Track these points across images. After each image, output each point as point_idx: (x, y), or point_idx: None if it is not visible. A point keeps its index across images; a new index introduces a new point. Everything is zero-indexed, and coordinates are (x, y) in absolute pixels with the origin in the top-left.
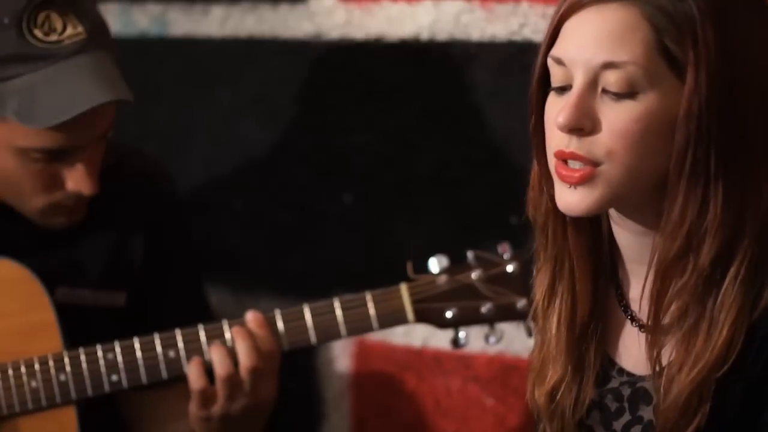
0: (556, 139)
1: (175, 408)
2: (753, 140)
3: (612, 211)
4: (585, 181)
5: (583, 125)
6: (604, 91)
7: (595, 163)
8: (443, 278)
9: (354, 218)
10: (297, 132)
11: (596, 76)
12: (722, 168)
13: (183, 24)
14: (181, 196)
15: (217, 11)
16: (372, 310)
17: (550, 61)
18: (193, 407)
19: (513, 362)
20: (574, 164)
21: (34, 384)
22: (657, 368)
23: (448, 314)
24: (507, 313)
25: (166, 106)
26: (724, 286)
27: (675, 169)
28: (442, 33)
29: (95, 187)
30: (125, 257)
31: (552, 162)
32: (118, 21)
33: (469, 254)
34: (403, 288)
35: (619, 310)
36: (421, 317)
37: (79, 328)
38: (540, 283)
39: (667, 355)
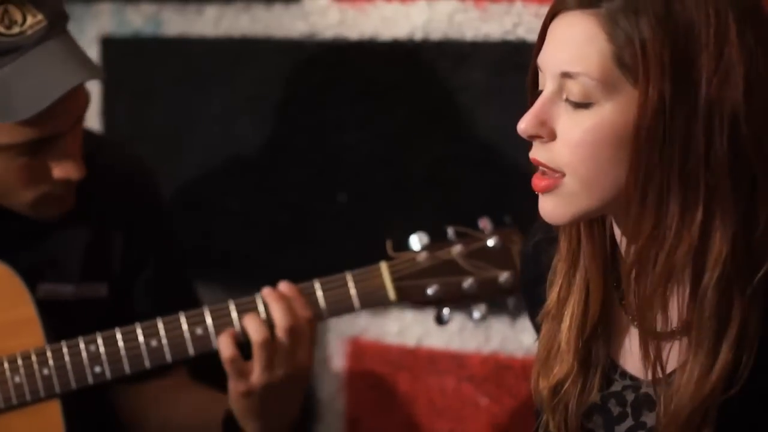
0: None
1: (172, 397)
2: (713, 159)
3: (610, 216)
4: (549, 190)
5: (540, 133)
6: (567, 100)
7: (557, 172)
8: (423, 255)
9: (349, 217)
10: (291, 131)
11: (561, 84)
12: (677, 182)
13: (177, 23)
14: (162, 189)
15: (211, 11)
16: (353, 290)
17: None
18: (231, 383)
19: (507, 362)
20: (546, 173)
21: (17, 379)
22: (653, 375)
23: (430, 291)
24: (489, 288)
25: (160, 106)
26: (697, 304)
27: (629, 180)
28: (436, 32)
29: (82, 170)
30: (105, 249)
31: None
32: (112, 20)
33: (449, 230)
34: (383, 266)
35: (621, 312)
36: (403, 295)
37: (63, 322)
38: (557, 280)
39: (667, 363)
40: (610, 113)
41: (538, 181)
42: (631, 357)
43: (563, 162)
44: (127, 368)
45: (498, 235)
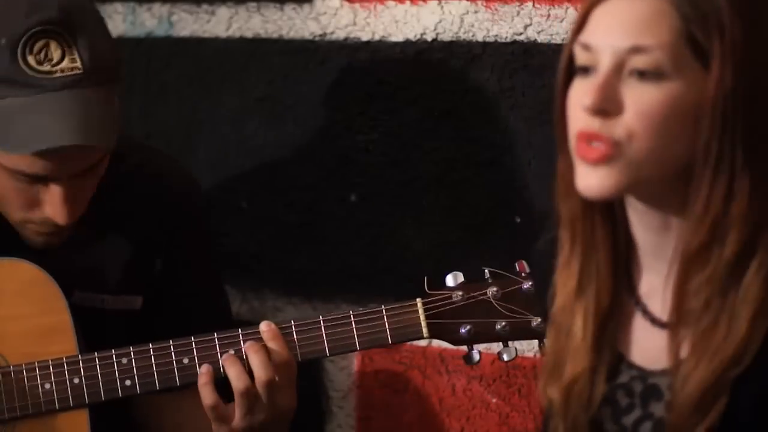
0: (580, 121)
1: (193, 413)
2: None
3: (632, 205)
4: (605, 160)
5: (607, 107)
6: (631, 73)
7: (616, 144)
8: (459, 294)
9: (359, 218)
10: (302, 132)
11: (623, 60)
12: (748, 160)
13: (189, 24)
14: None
15: (223, 11)
16: (386, 324)
17: (576, 48)
18: (214, 426)
19: (517, 361)
20: (596, 144)
21: (47, 386)
22: (676, 363)
23: (462, 331)
24: (522, 332)
25: (172, 106)
26: (746, 279)
27: (700, 159)
28: (447, 33)
29: (68, 219)
30: (144, 263)
31: (574, 144)
32: (124, 21)
33: (486, 271)
34: (419, 303)
35: (629, 303)
36: (435, 333)
37: (95, 331)
38: (567, 278)
39: (685, 348)
40: (679, 90)
41: (591, 152)
42: (638, 347)
43: (627, 133)
44: (157, 384)
45: (533, 278)
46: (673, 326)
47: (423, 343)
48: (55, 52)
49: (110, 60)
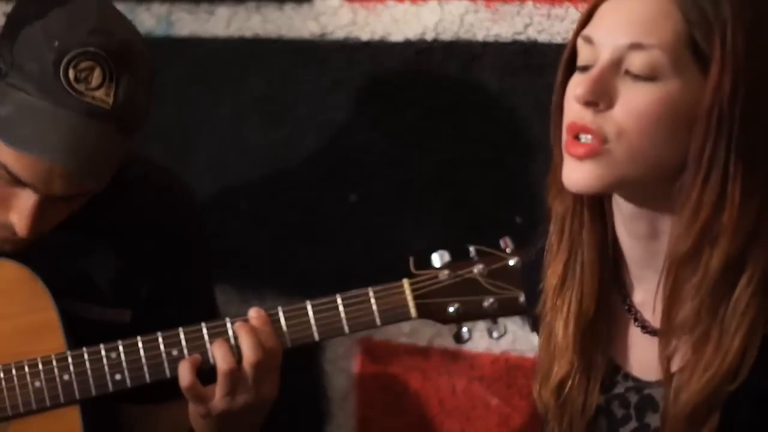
0: (572, 113)
1: (184, 419)
2: None
3: (620, 214)
4: (591, 156)
5: (599, 99)
6: (627, 72)
7: (604, 140)
8: (445, 273)
9: (359, 218)
10: (302, 131)
11: (621, 56)
12: (741, 168)
13: (188, 24)
14: (203, 221)
15: (223, 11)
16: (374, 306)
17: (579, 41)
18: (191, 406)
19: (517, 362)
20: (584, 139)
21: (37, 384)
22: (667, 373)
23: (451, 309)
24: (509, 308)
25: (171, 106)
26: (736, 293)
27: (692, 164)
28: (447, 33)
29: (29, 233)
30: (134, 278)
31: (564, 137)
32: None
33: (471, 249)
34: (406, 283)
35: (624, 314)
36: (424, 313)
37: (81, 341)
38: (552, 274)
39: (677, 361)
40: (675, 91)
41: (578, 147)
42: (634, 359)
43: (617, 130)
44: (147, 377)
45: (519, 254)
46: (663, 334)
47: (423, 343)
48: (96, 79)
49: (138, 114)
